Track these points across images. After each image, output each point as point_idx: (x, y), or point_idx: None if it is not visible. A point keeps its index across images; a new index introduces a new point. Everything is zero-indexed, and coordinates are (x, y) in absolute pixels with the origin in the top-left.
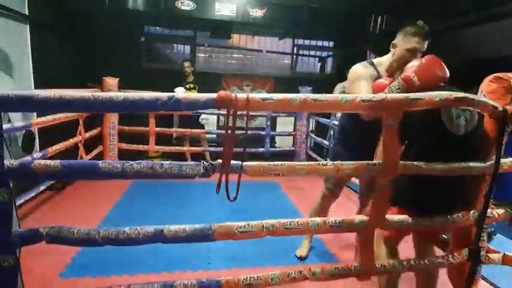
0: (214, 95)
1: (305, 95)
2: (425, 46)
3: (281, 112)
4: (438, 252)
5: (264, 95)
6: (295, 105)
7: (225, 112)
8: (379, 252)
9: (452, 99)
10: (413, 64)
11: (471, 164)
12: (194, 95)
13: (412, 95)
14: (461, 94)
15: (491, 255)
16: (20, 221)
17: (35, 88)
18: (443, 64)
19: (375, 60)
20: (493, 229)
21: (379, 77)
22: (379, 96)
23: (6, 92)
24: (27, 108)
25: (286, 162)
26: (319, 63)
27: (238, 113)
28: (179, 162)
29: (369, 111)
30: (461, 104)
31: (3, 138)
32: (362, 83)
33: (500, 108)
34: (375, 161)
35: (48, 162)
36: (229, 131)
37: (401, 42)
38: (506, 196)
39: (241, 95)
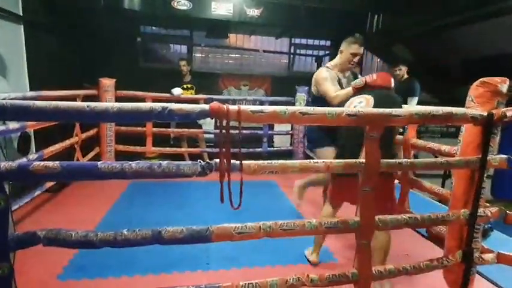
0: (206, 107)
1: (294, 108)
2: (362, 51)
3: None
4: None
5: (254, 107)
6: (285, 117)
7: None
8: (326, 210)
9: (431, 116)
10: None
11: (451, 159)
12: (188, 105)
13: (394, 111)
14: (439, 111)
15: (485, 256)
16: (15, 224)
17: (30, 89)
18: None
19: (329, 64)
20: (489, 225)
21: (338, 77)
22: (364, 111)
23: (1, 101)
24: (23, 118)
25: (280, 161)
26: (316, 63)
27: None
28: (177, 162)
29: (353, 124)
30: (440, 120)
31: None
32: (329, 83)
33: (484, 115)
34: (362, 160)
35: (48, 163)
36: (225, 137)
37: (346, 49)
38: (505, 195)
39: (233, 107)
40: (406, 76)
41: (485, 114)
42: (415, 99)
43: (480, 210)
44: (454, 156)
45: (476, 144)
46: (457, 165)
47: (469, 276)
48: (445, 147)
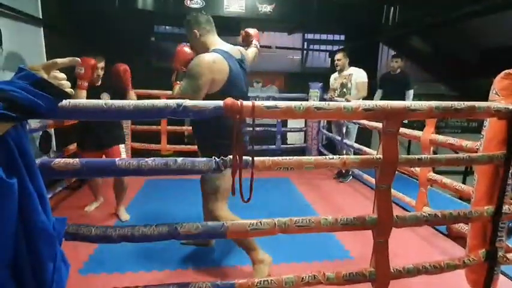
0: (221, 103)
1: (308, 103)
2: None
3: None
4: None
5: (269, 102)
6: (299, 113)
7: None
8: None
9: (453, 110)
10: None
11: (473, 155)
12: (202, 102)
13: (412, 105)
14: (462, 105)
15: (510, 255)
16: None
17: None
18: None
19: None
20: None
21: None
22: (381, 104)
23: None
24: (42, 116)
25: (294, 157)
26: (330, 58)
27: None
28: (192, 158)
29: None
30: (462, 114)
31: None
32: None
33: (509, 108)
34: (378, 155)
35: (68, 160)
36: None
37: None
38: None
39: (247, 103)
40: (399, 70)
41: (510, 107)
42: (411, 92)
43: (505, 208)
44: (476, 152)
45: (501, 138)
46: (480, 161)
47: (492, 276)
48: (466, 143)
